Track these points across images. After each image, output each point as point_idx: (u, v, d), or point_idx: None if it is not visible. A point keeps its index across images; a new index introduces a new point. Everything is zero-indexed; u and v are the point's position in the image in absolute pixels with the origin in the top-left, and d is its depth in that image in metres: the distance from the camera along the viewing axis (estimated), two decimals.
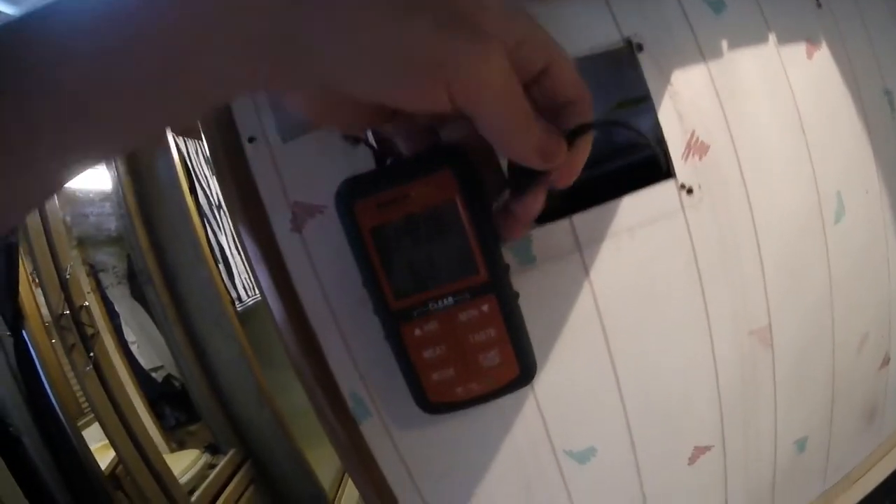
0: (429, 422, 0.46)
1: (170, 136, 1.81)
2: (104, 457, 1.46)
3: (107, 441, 1.47)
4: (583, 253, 0.45)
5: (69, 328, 1.42)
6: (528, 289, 0.43)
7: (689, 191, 0.46)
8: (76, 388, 1.46)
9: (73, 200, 1.73)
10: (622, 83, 0.59)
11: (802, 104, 0.50)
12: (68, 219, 1.64)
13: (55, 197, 1.50)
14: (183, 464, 1.69)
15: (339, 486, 2.20)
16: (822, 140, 0.51)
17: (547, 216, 0.44)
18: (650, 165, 0.52)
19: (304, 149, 0.44)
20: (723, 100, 0.47)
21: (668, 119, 0.45)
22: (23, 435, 1.31)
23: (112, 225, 1.83)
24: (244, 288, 2.02)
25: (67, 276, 1.44)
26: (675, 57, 0.46)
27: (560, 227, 0.44)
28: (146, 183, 1.84)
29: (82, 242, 1.74)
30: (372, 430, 0.47)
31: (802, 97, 0.50)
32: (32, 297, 1.39)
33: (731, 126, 0.47)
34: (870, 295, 0.57)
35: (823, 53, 0.52)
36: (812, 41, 0.52)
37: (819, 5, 0.53)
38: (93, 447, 1.43)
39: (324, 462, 2.04)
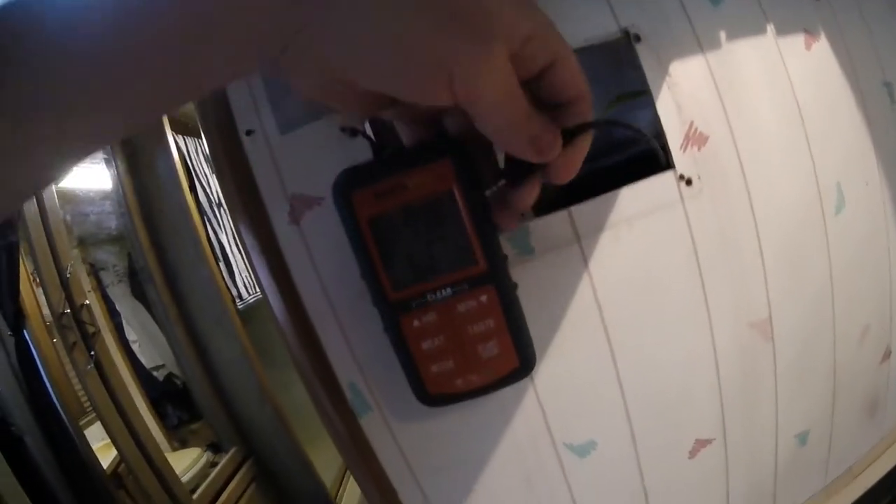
0: (428, 415, 0.46)
1: (170, 136, 1.81)
2: (106, 456, 1.46)
3: (108, 440, 1.47)
4: (582, 244, 0.44)
5: (70, 327, 1.42)
6: (527, 280, 0.43)
7: (689, 182, 0.45)
8: (77, 387, 1.46)
9: (74, 199, 1.73)
10: (621, 77, 0.59)
11: (801, 95, 0.50)
12: (69, 218, 1.64)
13: (55, 197, 1.50)
14: (185, 462, 1.69)
15: (341, 483, 2.20)
16: (821, 131, 0.51)
17: (546, 208, 0.44)
18: (649, 159, 0.52)
19: (301, 141, 0.44)
20: (721, 91, 0.47)
21: (667, 110, 0.45)
22: (25, 434, 1.31)
23: (112, 224, 1.83)
24: (245, 286, 2.02)
25: (68, 275, 1.44)
26: (674, 48, 0.46)
27: (559, 218, 0.44)
28: (146, 181, 1.84)
29: (83, 241, 1.74)
30: (371, 424, 0.47)
31: (801, 88, 0.50)
32: (33, 297, 1.39)
33: (729, 117, 0.47)
34: (870, 287, 0.57)
35: (822, 45, 0.52)
36: (810, 32, 0.51)
37: None
38: (95, 446, 1.43)
39: (325, 460, 2.04)
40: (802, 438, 0.56)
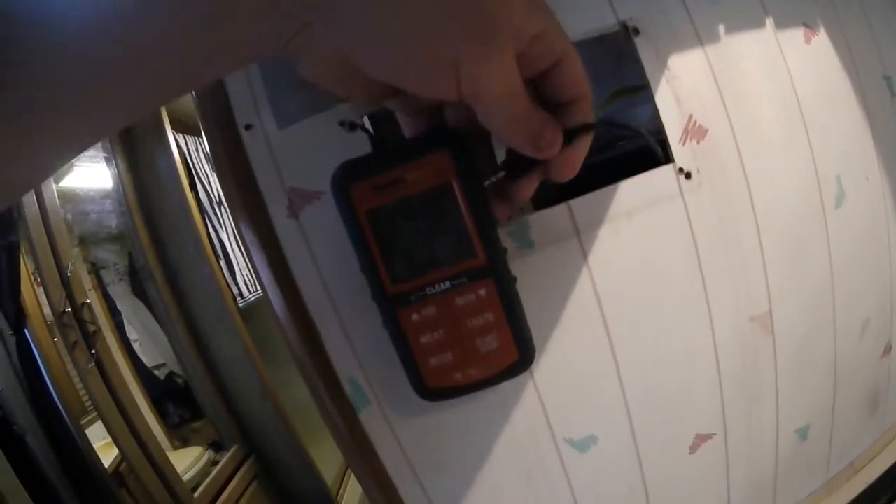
0: (428, 410, 0.46)
1: (170, 134, 1.81)
2: (107, 455, 1.46)
3: (110, 439, 1.47)
4: (581, 237, 0.44)
5: (71, 326, 1.42)
6: (527, 273, 0.43)
7: (688, 175, 0.45)
8: (79, 386, 1.47)
9: (74, 198, 1.73)
10: (620, 71, 0.59)
11: (801, 89, 0.50)
12: (69, 217, 1.64)
13: (56, 196, 1.50)
14: (186, 461, 1.70)
15: (342, 481, 2.21)
16: (820, 125, 0.50)
17: (545, 201, 0.44)
18: (648, 153, 0.52)
19: (300, 135, 0.44)
20: (720, 84, 0.47)
21: (666, 103, 0.45)
22: (26, 433, 1.31)
23: (113, 222, 1.83)
24: (245, 284, 2.02)
25: (69, 274, 1.44)
26: (673, 41, 0.46)
27: (558, 212, 0.44)
28: (147, 180, 1.84)
29: (83, 240, 1.74)
30: (371, 419, 0.47)
31: (801, 82, 0.50)
32: (34, 296, 1.39)
33: (729, 110, 0.47)
34: (871, 281, 0.57)
35: (822, 38, 0.52)
36: (810, 26, 0.51)
37: None
38: (96, 445, 1.43)
39: (327, 457, 2.05)
40: (803, 433, 0.56)
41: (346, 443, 0.47)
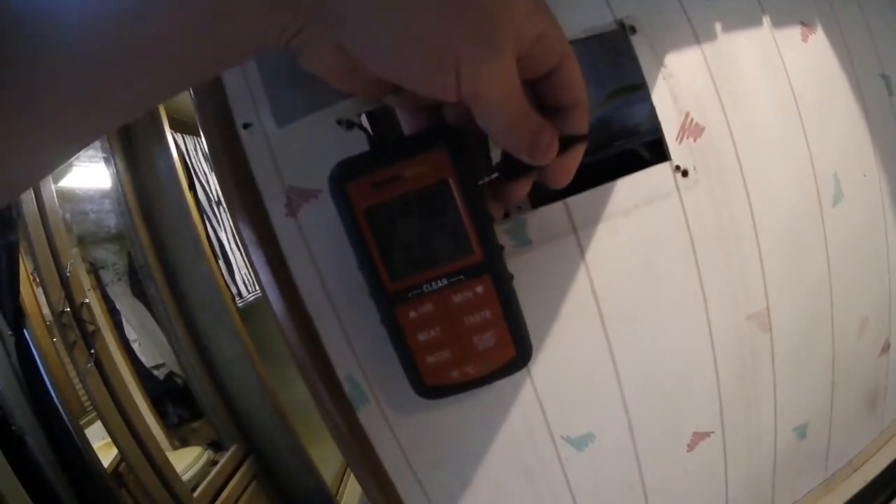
0: (426, 408, 0.46)
1: (169, 134, 1.82)
2: (107, 455, 1.46)
3: (109, 439, 1.47)
4: (578, 235, 0.44)
5: (70, 325, 1.42)
6: (524, 271, 0.43)
7: (685, 173, 0.45)
8: (78, 386, 1.47)
9: (73, 198, 1.73)
10: (618, 69, 0.59)
11: (798, 87, 0.50)
12: (68, 216, 1.64)
13: (55, 196, 1.50)
14: (186, 461, 1.70)
15: (342, 481, 2.21)
16: (818, 123, 0.51)
17: (542, 199, 0.44)
18: (647, 151, 0.52)
19: (298, 134, 0.44)
20: (717, 82, 0.47)
21: (663, 101, 0.45)
22: (26, 433, 1.32)
23: (112, 222, 1.83)
24: (244, 284, 2.02)
25: (68, 274, 1.44)
26: (669, 39, 0.46)
27: (555, 210, 0.44)
28: (146, 180, 1.84)
29: (82, 240, 1.74)
30: (369, 417, 0.47)
31: (798, 80, 0.50)
32: (33, 296, 1.40)
33: (725, 108, 0.47)
34: (869, 279, 0.57)
35: (819, 37, 0.52)
36: (807, 24, 0.51)
37: None
38: (95, 445, 1.43)
39: (326, 457, 2.05)
40: (801, 432, 0.56)
41: (344, 441, 0.47)
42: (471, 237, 0.34)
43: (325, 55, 0.27)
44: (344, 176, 0.34)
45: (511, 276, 0.37)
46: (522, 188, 0.36)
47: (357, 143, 0.43)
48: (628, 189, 0.45)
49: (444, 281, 0.36)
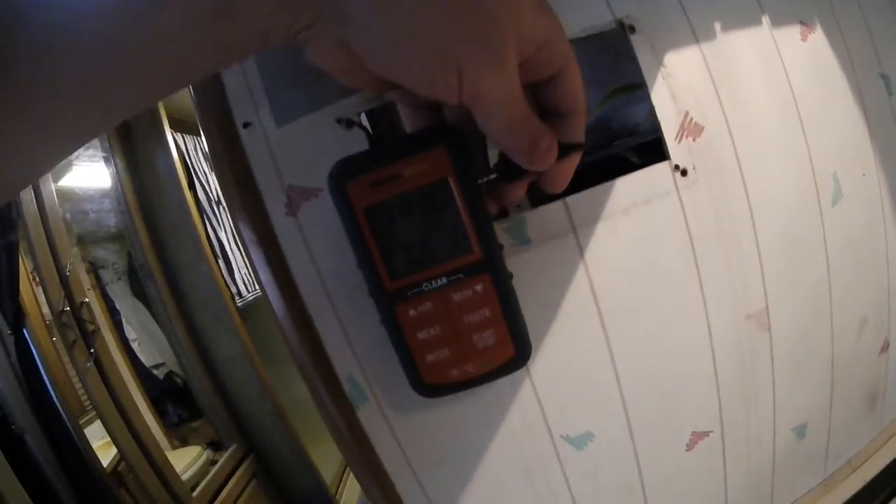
0: (426, 407, 0.46)
1: (169, 134, 1.82)
2: (106, 454, 1.46)
3: (108, 438, 1.47)
4: (578, 234, 0.44)
5: (70, 325, 1.42)
6: (524, 270, 0.43)
7: (684, 172, 0.45)
8: (78, 385, 1.47)
9: (73, 197, 1.73)
10: (618, 69, 0.59)
11: (797, 86, 0.50)
12: (68, 216, 1.64)
13: (54, 195, 1.50)
14: (185, 460, 1.70)
15: (341, 480, 2.21)
16: (817, 122, 0.51)
17: (541, 198, 0.44)
18: (645, 151, 0.52)
19: (298, 133, 0.44)
20: (717, 81, 0.47)
21: (662, 100, 0.45)
22: (25, 433, 1.32)
23: (112, 221, 1.83)
24: (244, 283, 2.02)
25: (68, 274, 1.44)
26: (669, 39, 0.46)
27: (555, 209, 0.44)
28: (146, 179, 1.84)
29: (82, 239, 1.74)
30: (369, 417, 0.47)
31: (797, 79, 0.50)
32: (33, 295, 1.40)
33: (725, 107, 0.47)
34: (868, 278, 0.57)
35: (818, 36, 0.52)
36: (806, 23, 0.51)
37: None
38: (95, 445, 1.43)
39: (326, 456, 2.05)
40: (800, 431, 0.56)
41: (344, 440, 0.47)
42: (470, 236, 0.34)
43: (330, 51, 0.27)
44: (343, 175, 0.34)
45: (510, 275, 0.37)
46: (518, 190, 0.36)
47: (357, 142, 0.44)
48: (627, 188, 0.45)
49: (444, 279, 0.36)
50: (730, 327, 0.49)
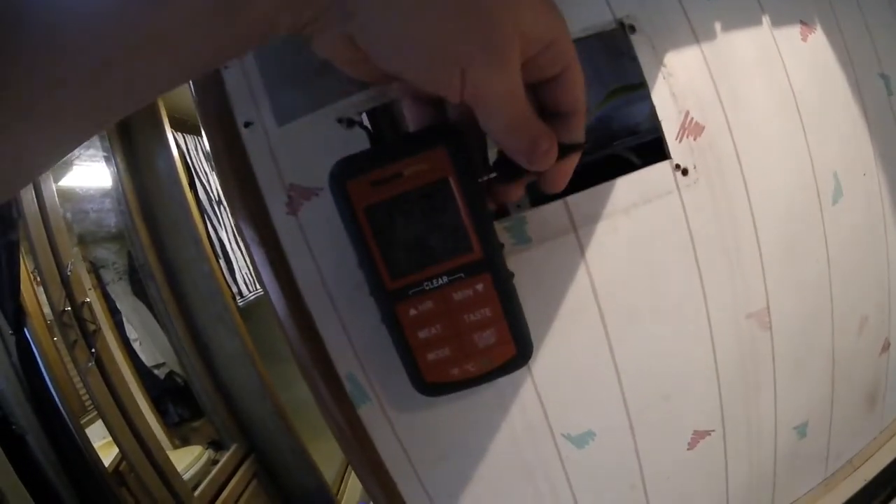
0: (427, 406, 0.46)
1: (169, 134, 1.82)
2: (107, 454, 1.47)
3: (110, 438, 1.47)
4: (578, 233, 0.44)
5: (71, 325, 1.42)
6: (524, 269, 0.44)
7: (685, 171, 0.45)
8: (79, 385, 1.47)
9: (74, 197, 1.73)
10: (618, 69, 0.59)
11: (797, 86, 0.50)
12: (69, 216, 1.64)
13: (55, 195, 1.50)
14: (186, 460, 1.70)
15: (342, 480, 2.21)
16: (817, 122, 0.51)
17: (542, 198, 0.44)
18: (644, 151, 0.52)
19: (299, 132, 0.44)
20: (717, 81, 0.47)
21: (663, 100, 0.45)
22: (27, 433, 1.32)
23: (112, 221, 1.83)
24: (245, 283, 2.02)
25: (69, 273, 1.44)
26: (669, 38, 0.46)
27: (555, 208, 0.44)
28: (146, 179, 1.84)
29: (83, 239, 1.74)
30: (370, 415, 0.47)
31: (797, 79, 0.50)
32: (34, 295, 1.40)
33: (725, 107, 0.47)
34: (868, 277, 0.57)
35: (818, 36, 0.52)
36: (806, 23, 0.51)
37: None
38: (96, 444, 1.43)
39: (327, 456, 2.05)
40: (801, 430, 0.56)
41: (345, 439, 0.47)
42: (471, 235, 0.35)
43: (336, 44, 0.27)
44: (344, 174, 0.34)
45: (511, 275, 0.37)
46: (516, 190, 0.36)
47: (358, 142, 0.44)
48: (628, 188, 0.45)
49: (445, 279, 0.36)
50: (731, 326, 0.49)
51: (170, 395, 1.89)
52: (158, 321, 1.87)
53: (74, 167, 1.73)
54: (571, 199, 0.44)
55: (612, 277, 0.46)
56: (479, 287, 0.36)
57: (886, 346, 0.60)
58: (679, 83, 0.46)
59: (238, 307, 1.91)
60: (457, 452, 0.48)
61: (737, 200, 0.48)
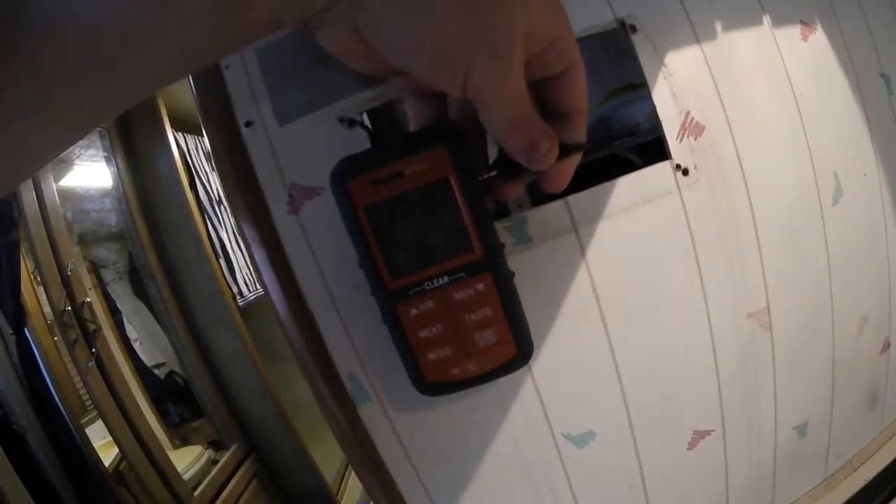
0: (427, 405, 0.46)
1: (170, 133, 1.82)
2: (108, 454, 1.47)
3: (110, 438, 1.47)
4: (579, 233, 0.45)
5: (71, 324, 1.42)
6: (525, 269, 0.44)
7: (685, 171, 0.45)
8: (79, 385, 1.47)
9: (74, 197, 1.73)
10: (619, 69, 0.59)
11: (798, 86, 0.50)
12: (69, 215, 1.64)
13: (56, 195, 1.50)
14: (186, 460, 1.70)
15: (342, 480, 2.21)
16: (817, 122, 0.51)
17: (543, 197, 0.44)
18: (645, 151, 0.52)
19: (300, 132, 0.44)
20: (718, 81, 0.47)
21: (663, 100, 0.45)
22: (27, 432, 1.32)
23: (113, 221, 1.83)
24: (245, 283, 2.02)
25: (69, 273, 1.45)
26: (670, 38, 0.46)
27: (556, 208, 0.44)
28: (147, 179, 1.84)
29: (83, 239, 1.74)
30: (371, 415, 0.47)
31: (797, 79, 0.50)
32: (34, 295, 1.40)
33: (726, 107, 0.47)
34: (869, 277, 0.57)
35: (818, 36, 0.52)
36: (807, 23, 0.52)
37: None
38: (96, 444, 1.44)
39: (327, 456, 2.05)
40: (802, 430, 0.56)
41: (346, 439, 0.47)
42: (471, 235, 0.35)
43: (342, 37, 0.28)
44: (345, 173, 0.34)
45: (512, 274, 0.37)
46: (515, 189, 0.36)
47: (359, 142, 0.44)
48: (629, 187, 0.45)
49: (445, 278, 0.36)
50: (731, 326, 0.49)
51: (170, 394, 1.89)
52: (159, 321, 1.87)
53: (75, 167, 1.73)
54: (572, 198, 0.44)
55: (612, 277, 0.46)
56: (480, 287, 0.36)
57: (886, 346, 0.60)
58: (680, 83, 0.46)
59: (238, 307, 1.91)
60: (457, 452, 0.48)
61: (737, 200, 0.48)
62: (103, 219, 1.82)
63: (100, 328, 1.50)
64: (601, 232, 0.45)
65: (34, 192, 1.42)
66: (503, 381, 0.43)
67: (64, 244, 1.47)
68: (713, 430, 0.51)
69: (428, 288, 0.36)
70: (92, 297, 1.57)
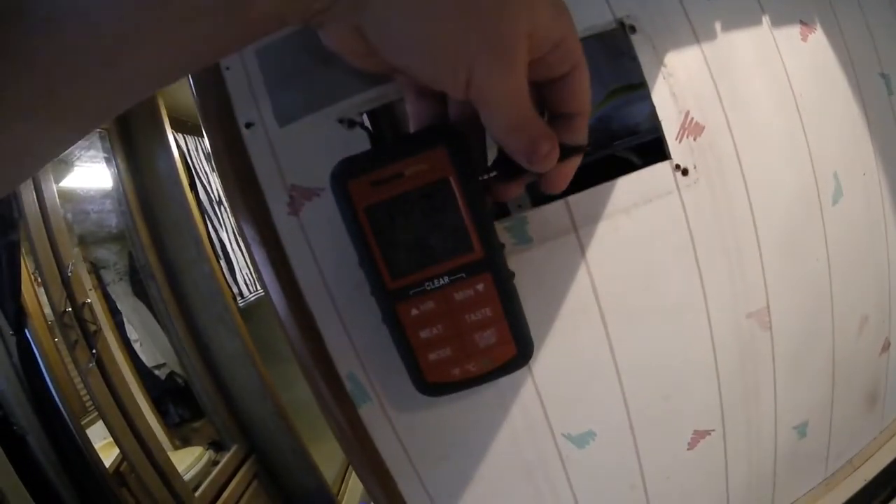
0: (427, 405, 0.46)
1: (170, 134, 1.82)
2: (108, 455, 1.47)
3: (110, 439, 1.47)
4: (579, 233, 0.45)
5: (71, 325, 1.42)
6: (525, 269, 0.44)
7: (685, 171, 0.45)
8: (79, 385, 1.47)
9: (74, 198, 1.73)
10: (619, 69, 0.59)
11: (797, 86, 0.50)
12: (69, 216, 1.65)
13: (56, 196, 1.50)
14: (187, 460, 1.70)
15: (343, 480, 2.21)
16: (817, 121, 0.51)
17: (543, 197, 0.44)
18: (645, 151, 0.52)
19: (300, 133, 0.44)
20: (717, 81, 0.47)
21: (663, 100, 0.45)
22: (27, 433, 1.32)
23: (113, 222, 1.84)
24: (245, 284, 2.02)
25: (69, 274, 1.45)
26: (669, 38, 0.46)
27: (556, 208, 0.44)
28: (147, 180, 1.84)
29: (84, 240, 1.74)
30: (371, 415, 0.47)
31: (797, 79, 0.50)
32: (35, 296, 1.40)
33: (725, 107, 0.47)
34: (869, 277, 0.57)
35: (818, 36, 0.52)
36: (806, 23, 0.52)
37: None
38: (97, 445, 1.44)
39: (327, 456, 2.05)
40: (802, 430, 0.56)
41: (346, 439, 0.47)
42: (471, 235, 0.35)
43: (344, 36, 0.28)
44: (345, 174, 0.34)
45: (512, 274, 0.37)
46: (515, 190, 0.36)
47: (359, 142, 0.44)
48: (629, 188, 0.45)
49: (446, 279, 0.36)
50: (731, 326, 0.49)
51: (170, 395, 1.89)
52: (159, 322, 1.87)
53: (75, 168, 1.73)
54: (572, 198, 0.44)
55: (612, 277, 0.46)
56: (480, 287, 0.36)
57: (886, 346, 0.60)
58: (679, 83, 0.46)
59: (239, 308, 1.91)
60: (457, 452, 0.48)
61: (737, 200, 0.48)
62: (103, 220, 1.82)
63: (100, 329, 1.50)
64: (601, 232, 0.45)
65: (34, 193, 1.42)
66: (503, 381, 0.43)
67: (64, 245, 1.47)
68: (713, 430, 0.51)
69: (428, 288, 0.36)
70: (92, 297, 1.57)
